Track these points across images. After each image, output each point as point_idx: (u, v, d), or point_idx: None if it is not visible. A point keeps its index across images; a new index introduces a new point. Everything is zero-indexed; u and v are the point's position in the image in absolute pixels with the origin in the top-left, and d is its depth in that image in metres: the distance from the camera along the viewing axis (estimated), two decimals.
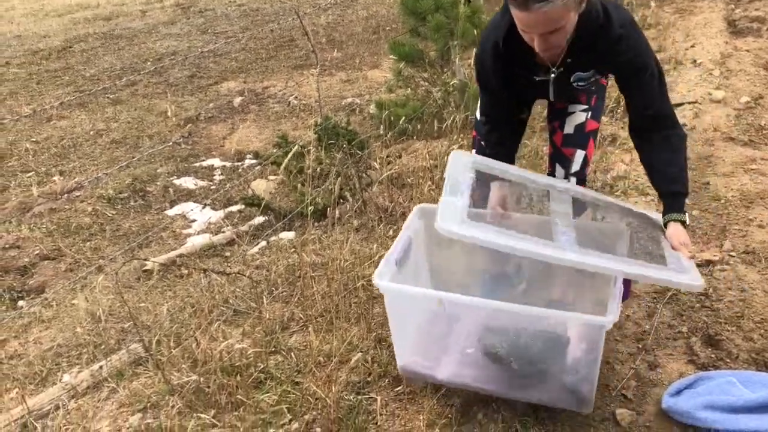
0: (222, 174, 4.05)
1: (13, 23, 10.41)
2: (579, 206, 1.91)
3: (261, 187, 3.59)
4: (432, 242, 2.05)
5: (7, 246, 3.20)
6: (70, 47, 7.84)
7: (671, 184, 1.75)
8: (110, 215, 3.53)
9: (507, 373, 1.74)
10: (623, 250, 1.81)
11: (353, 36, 7.23)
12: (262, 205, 3.22)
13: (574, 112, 1.91)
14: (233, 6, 9.47)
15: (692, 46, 4.78)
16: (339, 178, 3.28)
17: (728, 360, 1.91)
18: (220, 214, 3.47)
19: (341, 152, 3.45)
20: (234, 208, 3.53)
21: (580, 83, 1.78)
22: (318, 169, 3.38)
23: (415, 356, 1.86)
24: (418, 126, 3.86)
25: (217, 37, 7.71)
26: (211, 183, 3.93)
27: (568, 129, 1.96)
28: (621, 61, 1.69)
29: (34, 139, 4.82)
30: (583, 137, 1.96)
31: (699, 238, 2.59)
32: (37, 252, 3.16)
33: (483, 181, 1.85)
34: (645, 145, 1.78)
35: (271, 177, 3.80)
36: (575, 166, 1.97)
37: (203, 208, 3.60)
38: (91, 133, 4.86)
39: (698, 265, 2.38)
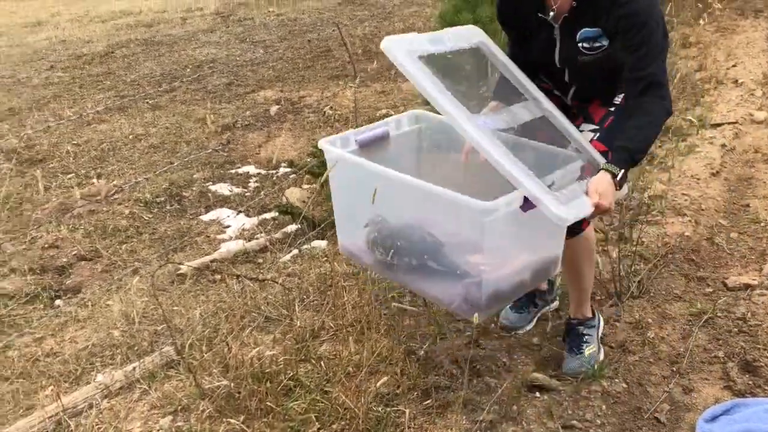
0: (257, 181, 4.10)
1: (58, 28, 10.68)
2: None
3: (295, 195, 3.62)
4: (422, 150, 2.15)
5: (46, 245, 3.28)
6: (112, 53, 8.01)
7: (624, 140, 1.72)
8: (147, 219, 3.59)
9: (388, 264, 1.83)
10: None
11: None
12: (296, 213, 3.25)
13: (583, 131, 1.90)
14: (272, 16, 9.60)
15: (734, 66, 4.71)
16: None
17: (766, 387, 1.87)
18: (254, 221, 3.50)
19: None
20: (268, 216, 3.56)
21: (585, 46, 1.80)
22: None
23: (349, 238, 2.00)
24: None
25: (256, 46, 7.82)
26: (245, 190, 3.98)
27: None
28: (620, 14, 1.70)
29: (75, 142, 4.93)
30: None
31: (737, 261, 2.54)
32: (75, 252, 3.22)
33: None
34: (629, 110, 1.77)
35: (305, 186, 3.83)
36: None
37: (237, 214, 3.64)
38: (130, 137, 4.95)
39: (736, 289, 2.34)
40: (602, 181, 1.63)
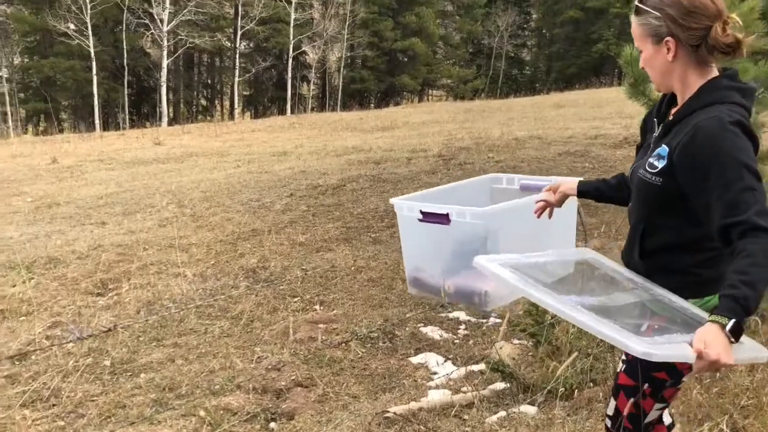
0: (467, 329, 4.11)
1: (300, 159, 12.02)
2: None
3: (505, 351, 3.56)
4: None
5: (269, 367, 3.53)
6: (344, 186, 8.78)
7: (727, 288, 1.42)
8: (360, 353, 3.73)
9: None
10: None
11: (613, 210, 7.13)
12: (505, 372, 3.19)
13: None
14: (491, 162, 9.96)
15: None
16: (590, 358, 3.15)
17: None
18: (462, 371, 3.48)
19: None
20: (475, 368, 3.53)
21: (650, 161, 1.65)
22: (568, 344, 3.28)
23: None
24: None
25: None
26: (455, 336, 4.00)
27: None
28: (679, 143, 1.58)
29: (303, 267, 5.37)
30: (615, 386, 1.84)
31: None
32: (293, 377, 3.42)
33: None
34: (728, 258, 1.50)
35: (516, 341, 3.76)
36: (608, 409, 1.86)
37: (445, 361, 3.65)
38: (352, 268, 5.28)
39: None
40: (708, 331, 1.39)
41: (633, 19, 1.67)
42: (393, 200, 3.05)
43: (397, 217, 3.13)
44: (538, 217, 2.15)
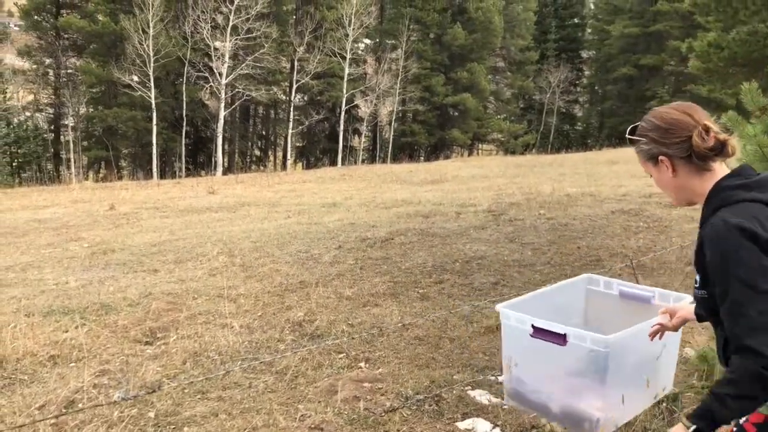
0: None
1: (349, 211, 12.09)
2: None
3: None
4: None
5: (312, 426, 3.45)
6: (392, 239, 8.76)
7: (707, 396, 1.59)
8: (405, 416, 3.63)
9: None
10: None
11: (665, 264, 6.92)
12: None
13: None
14: (542, 219, 9.83)
15: None
16: None
17: None
18: None
19: (655, 403, 3.17)
20: None
21: (695, 285, 1.74)
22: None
23: None
24: None
25: (524, 247, 7.99)
26: (503, 402, 3.86)
27: None
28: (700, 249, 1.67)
29: (350, 322, 5.31)
30: None
31: None
32: None
33: None
34: None
35: None
36: None
37: (493, 428, 3.51)
38: (399, 325, 5.20)
39: None
40: (675, 429, 1.61)
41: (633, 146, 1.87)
42: (500, 309, 2.94)
43: (501, 324, 3.02)
44: (651, 340, 2.27)
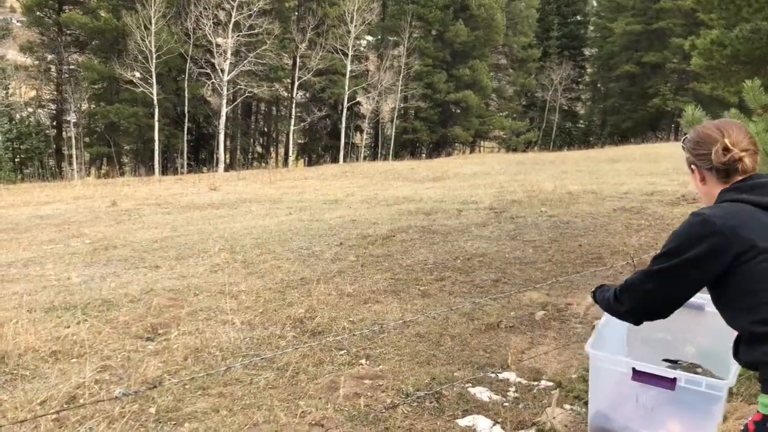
0: (516, 391, 3.97)
1: (351, 208, 12.09)
2: None
3: (557, 417, 3.42)
4: None
5: (313, 422, 3.46)
6: (393, 236, 8.75)
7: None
8: (406, 412, 3.63)
9: None
10: None
11: None
12: None
13: None
14: (544, 217, 9.82)
15: None
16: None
17: None
18: None
19: None
20: None
21: None
22: None
23: None
24: None
25: (525, 245, 7.99)
26: (504, 399, 3.86)
27: None
28: None
29: (351, 319, 5.32)
30: None
31: None
32: None
33: None
34: None
35: (568, 407, 3.61)
36: None
37: (494, 425, 3.52)
38: (400, 322, 5.20)
39: None
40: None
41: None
42: (590, 351, 2.64)
43: (591, 366, 2.76)
44: None
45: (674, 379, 2.40)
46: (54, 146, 37.38)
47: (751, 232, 1.78)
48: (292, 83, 39.79)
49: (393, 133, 43.29)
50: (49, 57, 37.45)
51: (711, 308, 2.87)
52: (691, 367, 2.67)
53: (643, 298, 2.00)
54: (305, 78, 37.95)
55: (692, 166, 2.05)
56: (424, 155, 43.90)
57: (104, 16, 34.21)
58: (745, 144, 1.92)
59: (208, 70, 33.68)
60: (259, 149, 48.60)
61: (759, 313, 1.75)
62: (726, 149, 1.91)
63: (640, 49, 47.85)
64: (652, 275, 1.94)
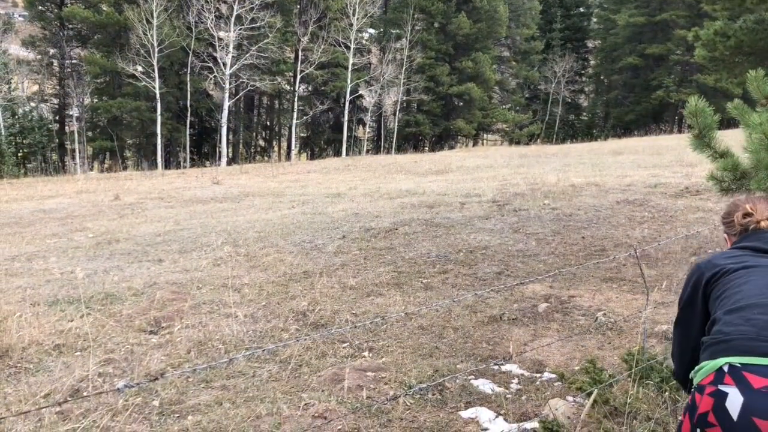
0: (519, 383, 3.97)
1: (353, 201, 12.08)
2: None
3: (559, 408, 3.42)
4: None
5: (316, 414, 3.47)
6: (396, 229, 8.75)
7: None
8: (408, 404, 3.64)
9: None
10: None
11: (670, 254, 6.90)
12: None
13: None
14: (547, 209, 9.80)
15: None
16: (650, 422, 2.98)
17: None
18: (514, 428, 3.35)
19: (657, 391, 3.17)
20: (528, 425, 3.39)
21: None
22: (627, 405, 3.13)
23: None
24: None
25: (528, 237, 7.98)
26: (506, 391, 3.86)
27: None
28: None
29: (353, 312, 5.32)
30: None
31: None
32: (340, 427, 3.35)
33: None
34: None
35: (571, 398, 3.61)
36: None
37: (496, 417, 3.52)
38: (402, 314, 5.21)
39: None
40: None
41: None
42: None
43: None
44: None
45: None
46: (57, 140, 37.42)
47: (726, 261, 1.98)
48: (295, 76, 39.73)
49: (396, 126, 43.24)
50: (52, 51, 37.47)
51: None
52: None
53: (675, 348, 2.17)
54: (307, 71, 37.89)
55: (724, 235, 2.29)
56: (426, 148, 43.84)
57: (106, 10, 34.18)
58: (767, 214, 2.13)
59: (211, 64, 33.66)
60: (261, 143, 48.59)
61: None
62: (747, 214, 2.14)
63: (643, 40, 47.65)
64: (674, 328, 2.14)
